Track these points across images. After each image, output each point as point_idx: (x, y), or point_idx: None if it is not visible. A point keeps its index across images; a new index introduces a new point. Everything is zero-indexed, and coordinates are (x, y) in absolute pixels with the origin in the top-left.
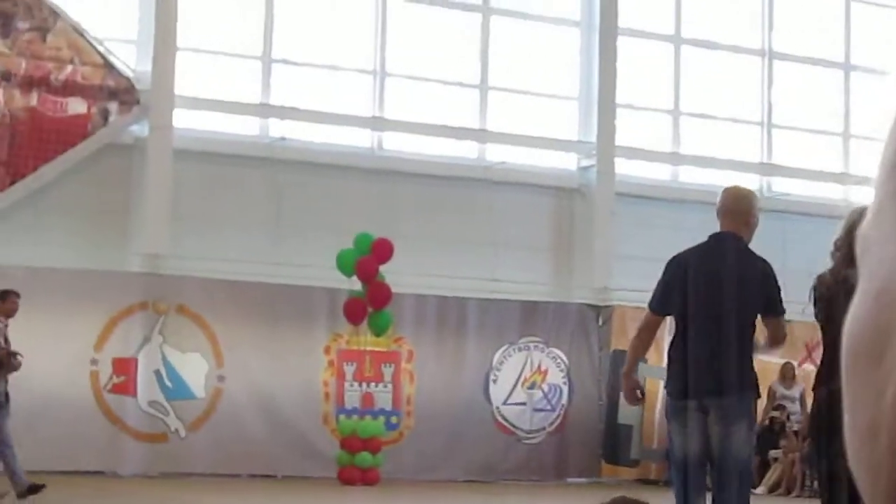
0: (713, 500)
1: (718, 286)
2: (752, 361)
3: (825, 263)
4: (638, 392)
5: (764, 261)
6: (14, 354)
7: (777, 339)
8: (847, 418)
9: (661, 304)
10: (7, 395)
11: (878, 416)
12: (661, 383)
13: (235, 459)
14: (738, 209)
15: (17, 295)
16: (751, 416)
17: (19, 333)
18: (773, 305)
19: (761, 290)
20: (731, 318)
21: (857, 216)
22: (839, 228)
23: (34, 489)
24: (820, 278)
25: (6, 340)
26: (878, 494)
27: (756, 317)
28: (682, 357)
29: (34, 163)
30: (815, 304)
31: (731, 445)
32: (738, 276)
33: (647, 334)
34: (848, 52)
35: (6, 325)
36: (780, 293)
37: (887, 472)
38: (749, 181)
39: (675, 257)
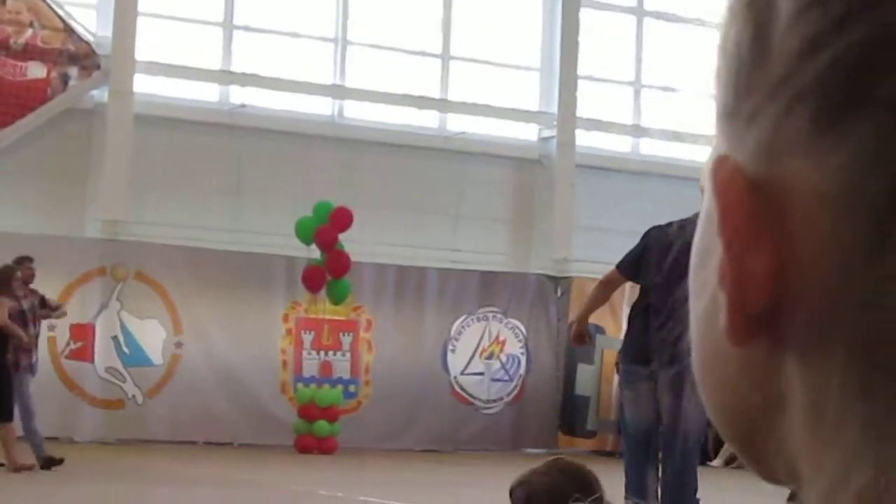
0: (664, 470)
1: (683, 260)
2: None
3: None
4: (586, 337)
5: None
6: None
7: None
8: (693, 336)
9: (628, 267)
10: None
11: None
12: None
13: (193, 426)
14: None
15: (30, 260)
16: None
17: None
18: None
19: None
20: (686, 290)
21: None
22: None
23: (53, 461)
24: None
25: (32, 313)
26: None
27: None
28: (640, 324)
29: None
30: None
31: (683, 416)
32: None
33: (606, 289)
34: None
35: (26, 296)
36: None
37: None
38: (707, 154)
39: (651, 228)
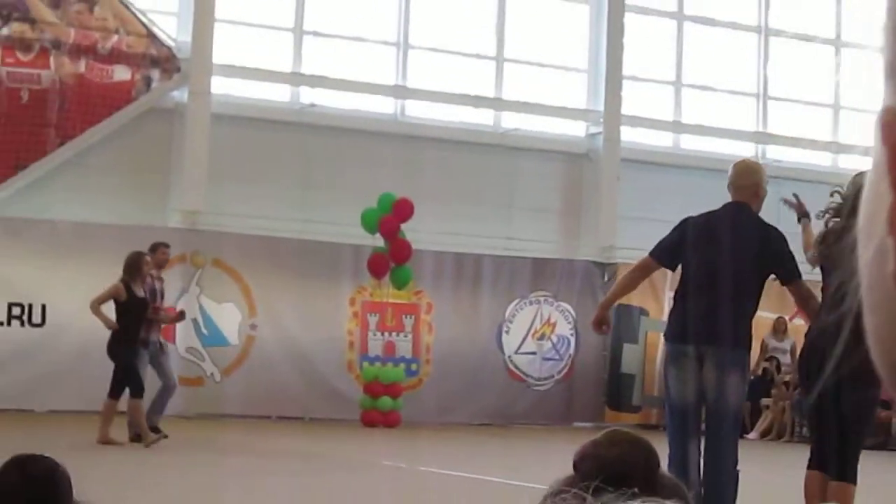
0: (706, 444)
1: (716, 246)
2: (747, 320)
3: (817, 224)
4: (604, 327)
5: (774, 229)
6: (158, 310)
7: (803, 302)
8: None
9: (661, 253)
10: (161, 343)
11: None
12: (662, 336)
13: (266, 402)
14: (747, 183)
15: (166, 246)
16: (743, 368)
17: (69, 283)
18: (786, 273)
19: (767, 257)
20: (727, 277)
21: (864, 179)
22: (845, 188)
23: (156, 432)
24: (824, 234)
25: (161, 295)
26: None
27: (759, 280)
28: (682, 307)
29: (82, 125)
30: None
31: (725, 393)
32: (741, 241)
33: (638, 274)
34: (838, 30)
35: (159, 278)
36: (792, 259)
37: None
38: (745, 149)
39: (687, 218)
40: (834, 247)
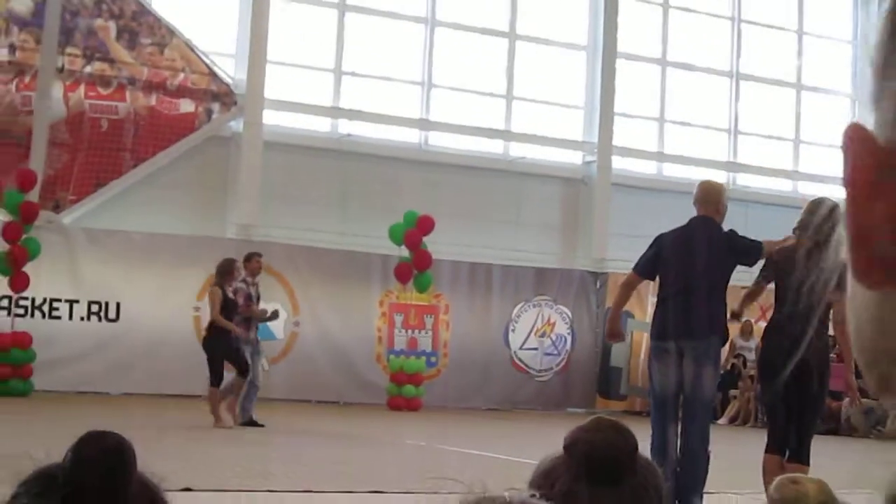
0: (682, 428)
1: (691, 256)
2: (721, 314)
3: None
4: (619, 335)
5: (733, 232)
6: (263, 311)
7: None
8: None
9: (643, 269)
10: (257, 340)
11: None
12: (646, 335)
13: (306, 388)
14: (710, 199)
15: (259, 255)
16: (716, 360)
17: (140, 285)
18: (749, 252)
19: (730, 253)
20: (701, 279)
21: (816, 205)
22: (800, 214)
23: (254, 424)
24: (777, 251)
25: (257, 297)
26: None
27: (726, 279)
28: (663, 309)
29: (153, 150)
30: (764, 268)
31: (700, 384)
32: (707, 248)
33: (627, 289)
34: (799, 76)
35: (254, 284)
36: (750, 241)
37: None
38: (718, 176)
39: (660, 235)
40: (783, 260)
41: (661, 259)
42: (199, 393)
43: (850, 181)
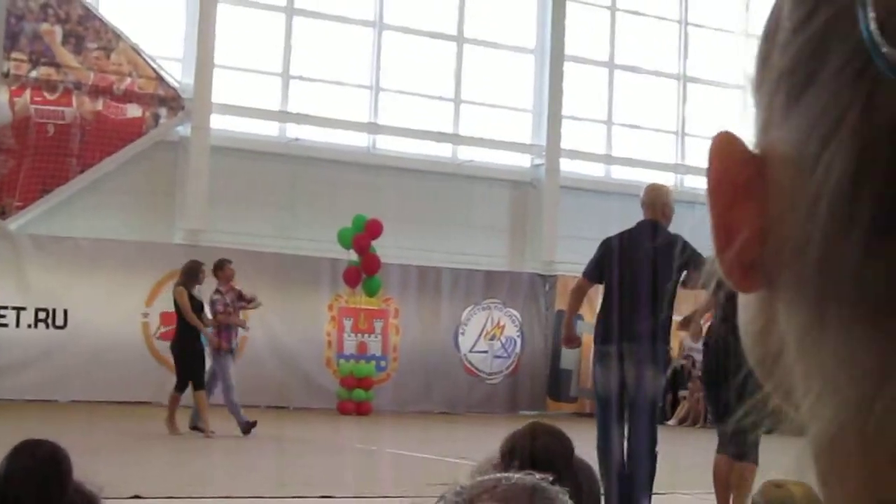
0: (629, 429)
1: (635, 260)
2: (664, 318)
3: None
4: (575, 341)
5: (677, 236)
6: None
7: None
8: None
9: (591, 273)
10: (232, 348)
11: None
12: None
13: (256, 393)
14: (655, 202)
15: (230, 262)
16: (660, 362)
17: (87, 291)
18: (691, 260)
19: (674, 258)
20: (645, 283)
21: None
22: None
23: (251, 425)
24: None
25: (232, 303)
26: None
27: (671, 282)
28: (607, 313)
29: (100, 155)
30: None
31: (643, 386)
32: (652, 252)
33: (578, 294)
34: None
35: (229, 291)
36: (693, 250)
37: None
38: (666, 178)
39: (606, 239)
40: None
41: (606, 262)
42: (149, 399)
43: (715, 189)
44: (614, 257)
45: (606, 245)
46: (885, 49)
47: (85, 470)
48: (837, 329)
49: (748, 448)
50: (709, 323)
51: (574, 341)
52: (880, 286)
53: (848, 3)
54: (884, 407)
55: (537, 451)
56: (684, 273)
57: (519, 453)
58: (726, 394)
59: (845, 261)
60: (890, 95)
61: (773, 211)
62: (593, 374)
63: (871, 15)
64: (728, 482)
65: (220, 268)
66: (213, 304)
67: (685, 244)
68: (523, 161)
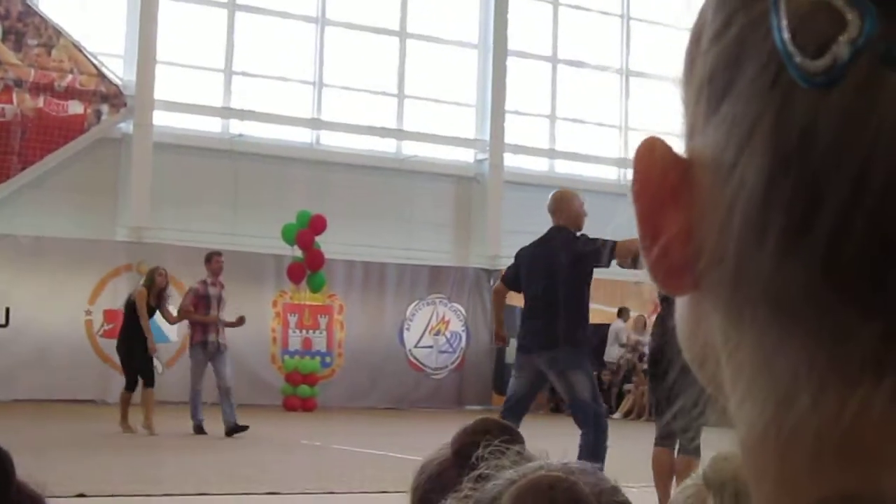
0: (580, 427)
1: (546, 269)
2: (580, 323)
3: None
4: (504, 340)
5: (580, 236)
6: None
7: (624, 257)
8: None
9: (509, 282)
10: (219, 344)
11: None
12: None
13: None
14: (561, 207)
15: (219, 255)
16: (581, 365)
17: (29, 289)
18: (597, 254)
19: (581, 258)
20: (557, 291)
21: None
22: None
23: (239, 428)
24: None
25: (219, 300)
26: None
27: (585, 285)
28: (525, 323)
29: (41, 153)
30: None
31: (572, 389)
32: (562, 258)
33: (498, 297)
34: None
35: (219, 284)
36: (596, 243)
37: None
38: (609, 173)
39: (521, 249)
40: None
41: (521, 274)
42: (92, 398)
43: (639, 193)
44: (527, 269)
45: (519, 256)
46: (797, 59)
47: (28, 469)
48: (754, 333)
49: (688, 441)
50: (654, 316)
51: (501, 340)
52: (792, 293)
53: (763, 12)
54: (797, 415)
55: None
56: (593, 266)
57: (470, 451)
58: (667, 387)
59: (759, 267)
60: (802, 104)
61: (695, 216)
62: (512, 377)
63: (784, 23)
64: (670, 474)
65: (208, 260)
66: (187, 293)
67: (588, 240)
68: (467, 156)
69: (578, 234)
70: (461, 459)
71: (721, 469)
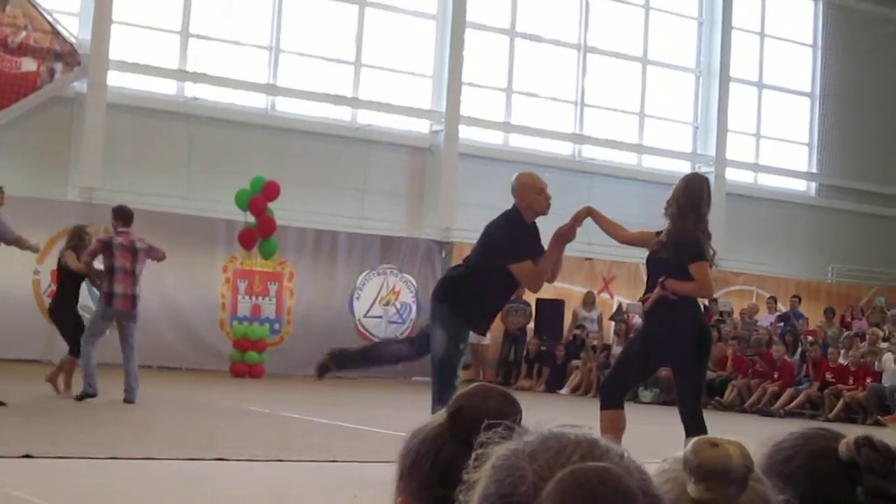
0: None
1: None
2: (459, 284)
3: (625, 213)
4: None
5: (503, 217)
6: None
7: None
8: None
9: None
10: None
11: None
12: None
13: (148, 354)
14: (514, 191)
15: (118, 208)
16: (444, 324)
17: None
18: (494, 253)
19: (489, 247)
20: (472, 258)
21: (694, 180)
22: (671, 191)
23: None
24: (658, 233)
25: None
26: None
27: (484, 257)
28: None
29: None
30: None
31: (433, 344)
32: (484, 234)
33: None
34: (646, 50)
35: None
36: (489, 236)
37: None
38: (564, 148)
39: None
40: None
41: None
42: (39, 358)
43: None
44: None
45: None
46: None
47: None
48: None
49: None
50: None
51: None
52: None
53: None
54: None
55: (489, 413)
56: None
57: (469, 414)
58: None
59: None
60: None
61: None
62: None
63: None
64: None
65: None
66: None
67: (494, 226)
68: (422, 127)
69: (529, 223)
70: (457, 424)
71: (707, 456)
